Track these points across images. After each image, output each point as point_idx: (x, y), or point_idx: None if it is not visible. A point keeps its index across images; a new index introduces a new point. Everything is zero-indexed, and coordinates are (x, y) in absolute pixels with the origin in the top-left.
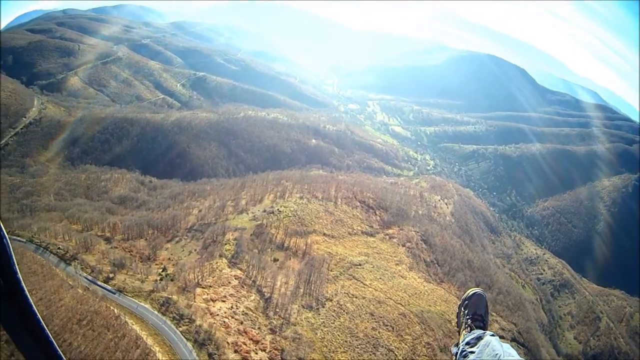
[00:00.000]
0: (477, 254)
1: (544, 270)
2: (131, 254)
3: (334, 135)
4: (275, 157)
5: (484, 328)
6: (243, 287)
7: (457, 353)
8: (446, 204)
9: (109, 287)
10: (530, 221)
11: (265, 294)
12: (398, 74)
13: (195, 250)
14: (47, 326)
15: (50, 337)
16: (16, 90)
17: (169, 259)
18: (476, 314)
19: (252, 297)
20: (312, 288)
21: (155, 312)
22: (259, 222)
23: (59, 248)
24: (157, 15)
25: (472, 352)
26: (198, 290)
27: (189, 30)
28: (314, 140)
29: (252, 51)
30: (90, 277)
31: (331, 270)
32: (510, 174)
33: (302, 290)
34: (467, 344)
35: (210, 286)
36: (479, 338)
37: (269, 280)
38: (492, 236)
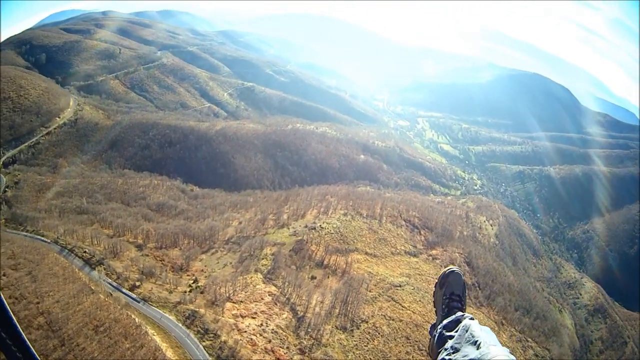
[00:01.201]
0: (518, 277)
1: (580, 295)
2: (162, 263)
3: (383, 151)
4: (322, 172)
5: (462, 309)
6: (276, 304)
7: (435, 336)
8: (491, 226)
9: (134, 296)
10: (571, 244)
11: (299, 312)
12: (447, 91)
13: (231, 263)
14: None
15: (25, 340)
16: (49, 89)
17: (202, 270)
18: (453, 294)
19: (285, 315)
20: (348, 308)
21: (180, 325)
22: (299, 238)
23: (85, 252)
24: (204, 22)
25: (450, 337)
26: (228, 304)
27: (238, 39)
28: (362, 156)
29: (302, 63)
30: (115, 284)
31: (370, 291)
32: (553, 196)
33: (337, 310)
34: (445, 327)
35: (241, 301)
36: (458, 321)
37: (304, 298)
38: (533, 259)
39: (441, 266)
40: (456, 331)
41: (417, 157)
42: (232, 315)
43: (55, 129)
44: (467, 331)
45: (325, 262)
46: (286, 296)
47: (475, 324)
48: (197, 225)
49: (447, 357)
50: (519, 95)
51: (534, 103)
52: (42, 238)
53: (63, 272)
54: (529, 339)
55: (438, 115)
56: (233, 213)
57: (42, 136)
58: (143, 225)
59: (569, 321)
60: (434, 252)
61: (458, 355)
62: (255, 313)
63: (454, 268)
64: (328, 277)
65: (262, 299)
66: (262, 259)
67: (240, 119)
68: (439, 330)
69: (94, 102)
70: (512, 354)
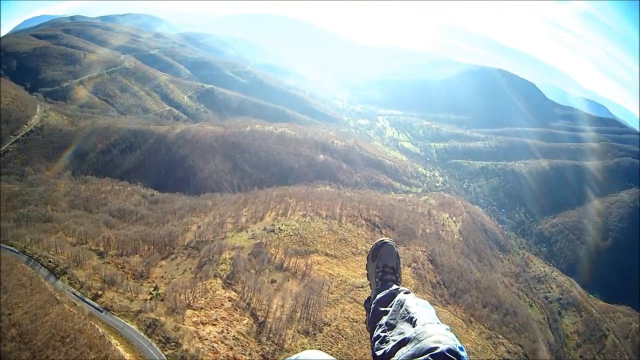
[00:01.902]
0: (485, 273)
1: (551, 289)
2: (123, 271)
3: (343, 151)
4: (282, 173)
5: (397, 281)
6: (236, 309)
7: (369, 310)
8: (454, 222)
9: (97, 305)
10: (539, 238)
11: (260, 317)
12: (407, 88)
13: (190, 269)
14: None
15: None
16: (19, 96)
17: (162, 277)
18: (387, 266)
19: (245, 321)
20: (310, 312)
21: (142, 334)
22: (258, 241)
23: (49, 261)
24: (167, 26)
25: (385, 312)
26: (188, 312)
27: (199, 41)
28: (322, 156)
29: (262, 64)
30: (78, 293)
31: (331, 293)
32: (519, 191)
33: (299, 314)
34: (380, 302)
35: (201, 308)
36: (393, 295)
37: (264, 303)
38: (500, 254)
39: (404, 265)
40: (391, 306)
41: (377, 156)
42: (193, 322)
43: (22, 136)
44: (401, 306)
45: (285, 265)
46: (246, 301)
47: (410, 298)
48: (156, 231)
49: (382, 334)
50: (481, 91)
51: (496, 98)
52: (11, 248)
53: (30, 283)
54: (500, 336)
55: (398, 113)
56: (192, 217)
57: (10, 144)
58: (104, 232)
59: (541, 315)
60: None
61: (394, 332)
62: (216, 320)
63: (386, 239)
64: (288, 280)
65: (222, 304)
66: (221, 263)
67: (200, 122)
68: (373, 305)
69: (59, 108)
70: (452, 332)
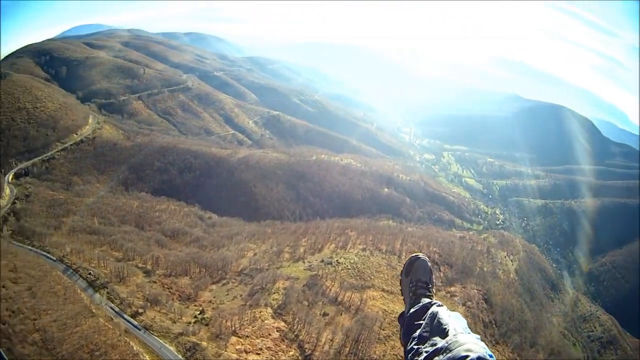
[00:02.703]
0: (535, 313)
1: (594, 328)
2: (170, 291)
3: (407, 185)
4: (345, 204)
5: (430, 295)
6: (283, 340)
7: (403, 324)
8: (511, 261)
9: (135, 323)
10: (589, 277)
11: (307, 350)
12: (472, 124)
13: (241, 295)
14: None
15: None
16: (68, 104)
17: (210, 301)
18: (420, 281)
19: (291, 353)
20: (360, 347)
21: (179, 357)
22: (314, 273)
23: (89, 273)
24: (232, 47)
25: (418, 326)
26: (233, 339)
27: (266, 66)
28: (386, 189)
29: (330, 94)
30: (117, 309)
31: (383, 329)
32: (573, 229)
33: (347, 349)
34: (413, 316)
35: (247, 336)
36: (425, 309)
37: (313, 335)
38: (552, 293)
39: (459, 304)
40: (424, 319)
41: (441, 192)
42: (236, 350)
43: (71, 145)
44: (434, 319)
45: (339, 299)
46: (295, 333)
47: (443, 311)
48: (210, 254)
49: (415, 347)
50: (541, 128)
51: (556, 135)
52: (48, 255)
53: (64, 292)
54: None
55: (464, 149)
56: (249, 243)
57: (57, 151)
58: (154, 251)
59: (582, 354)
60: (452, 288)
61: (427, 344)
62: (261, 349)
63: (420, 254)
64: (341, 314)
65: (270, 334)
66: (274, 293)
67: (265, 148)
68: (406, 320)
69: (114, 122)
70: (483, 341)
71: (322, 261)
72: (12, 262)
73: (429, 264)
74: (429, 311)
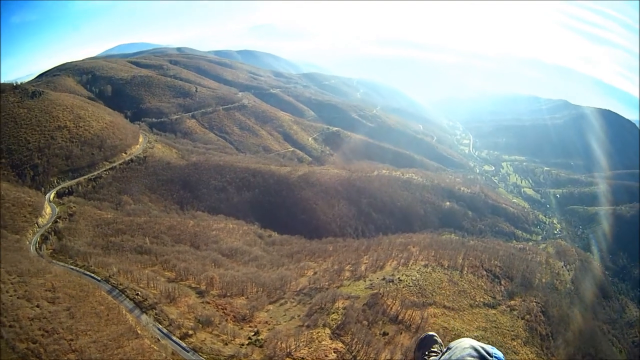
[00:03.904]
0: (587, 322)
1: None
2: (224, 312)
3: (468, 198)
4: (407, 219)
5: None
6: None
7: None
8: (568, 271)
9: (184, 345)
10: (636, 282)
11: None
12: (529, 133)
13: (299, 316)
14: None
15: None
16: (115, 123)
17: (267, 322)
18: (431, 351)
19: None
20: None
21: None
22: (375, 291)
23: (137, 294)
24: (285, 64)
25: None
26: None
27: (323, 82)
28: (447, 203)
29: (387, 107)
30: (165, 330)
31: None
32: (624, 235)
33: None
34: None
35: (302, 358)
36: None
37: (371, 356)
38: (603, 301)
39: (518, 317)
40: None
41: (501, 203)
42: None
43: (120, 164)
44: (442, 348)
45: (400, 317)
46: (353, 354)
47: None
48: (268, 274)
49: None
50: (592, 134)
51: (605, 140)
52: (92, 275)
53: (107, 313)
54: None
55: (521, 159)
56: (309, 262)
57: (105, 170)
58: (209, 271)
59: None
60: (512, 302)
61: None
62: None
63: (431, 333)
64: (401, 333)
65: (326, 356)
66: (333, 313)
67: (325, 164)
68: None
69: (167, 141)
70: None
71: (384, 279)
72: (50, 282)
73: (439, 339)
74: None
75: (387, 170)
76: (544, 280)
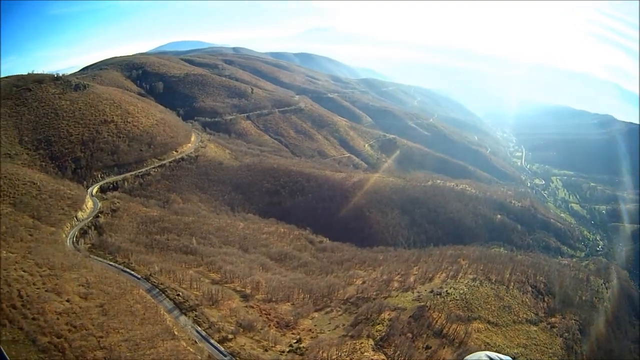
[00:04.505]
0: (619, 341)
1: None
2: (267, 317)
3: (519, 211)
4: (458, 231)
5: None
6: None
7: None
8: (606, 289)
9: (221, 348)
10: None
11: None
12: (578, 148)
13: (344, 325)
14: None
15: None
16: (165, 120)
17: (310, 330)
18: None
19: None
20: None
21: None
22: (422, 304)
23: (178, 294)
24: (343, 68)
25: None
26: None
27: (381, 89)
28: (498, 216)
29: (445, 117)
30: (203, 333)
31: None
32: None
33: None
34: None
35: None
36: None
37: None
38: (635, 320)
39: (557, 335)
40: None
41: (550, 218)
42: None
43: (170, 162)
44: None
45: (444, 331)
46: None
47: None
48: (316, 281)
49: None
50: (636, 150)
51: None
52: (132, 272)
53: (144, 312)
54: None
55: (570, 173)
56: (359, 270)
57: (153, 168)
58: (255, 275)
59: None
60: (553, 319)
61: None
62: None
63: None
64: (444, 347)
65: None
66: (378, 323)
67: (381, 172)
68: None
69: (220, 141)
70: None
71: (432, 291)
72: (84, 277)
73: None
74: None
75: (441, 180)
76: (584, 297)
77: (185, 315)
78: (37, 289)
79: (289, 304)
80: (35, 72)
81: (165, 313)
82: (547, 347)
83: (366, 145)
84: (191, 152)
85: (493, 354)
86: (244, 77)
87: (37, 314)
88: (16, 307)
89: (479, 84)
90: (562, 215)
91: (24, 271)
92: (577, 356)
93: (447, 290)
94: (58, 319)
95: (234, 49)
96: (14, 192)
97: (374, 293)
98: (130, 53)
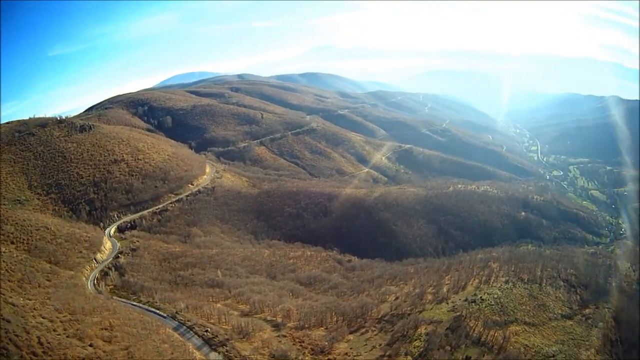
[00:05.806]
0: None
1: None
2: (301, 345)
3: (542, 206)
4: (486, 234)
5: None
6: None
7: None
8: (634, 271)
9: None
10: None
11: None
12: (590, 134)
13: (380, 345)
14: None
15: None
16: (177, 154)
17: (347, 353)
18: None
19: None
20: None
21: None
22: (457, 314)
23: (206, 330)
24: (349, 83)
25: None
26: None
27: (389, 100)
28: (523, 213)
29: (457, 120)
30: None
31: None
32: None
33: None
34: None
35: None
36: None
37: None
38: None
39: (592, 326)
40: None
41: (572, 208)
42: None
43: (187, 196)
44: None
45: (482, 339)
46: None
47: None
48: (348, 302)
49: None
50: None
51: None
52: (157, 311)
53: (172, 352)
54: None
55: (586, 160)
56: (391, 286)
57: (170, 203)
58: (286, 302)
59: None
60: (587, 310)
61: None
62: None
63: None
64: (483, 355)
65: None
66: (415, 339)
67: (401, 183)
68: None
69: (235, 169)
70: None
71: (466, 299)
72: (107, 320)
73: None
74: None
75: (462, 184)
76: (613, 284)
77: (216, 351)
78: (58, 335)
79: (322, 328)
80: (37, 116)
81: (194, 350)
82: (583, 340)
83: (383, 158)
84: (207, 184)
85: None
86: (252, 103)
87: None
88: (37, 354)
89: (485, 84)
90: (583, 203)
91: (43, 317)
92: (614, 344)
93: (481, 297)
94: None
95: (239, 76)
96: (27, 238)
97: (408, 308)
98: (134, 90)
